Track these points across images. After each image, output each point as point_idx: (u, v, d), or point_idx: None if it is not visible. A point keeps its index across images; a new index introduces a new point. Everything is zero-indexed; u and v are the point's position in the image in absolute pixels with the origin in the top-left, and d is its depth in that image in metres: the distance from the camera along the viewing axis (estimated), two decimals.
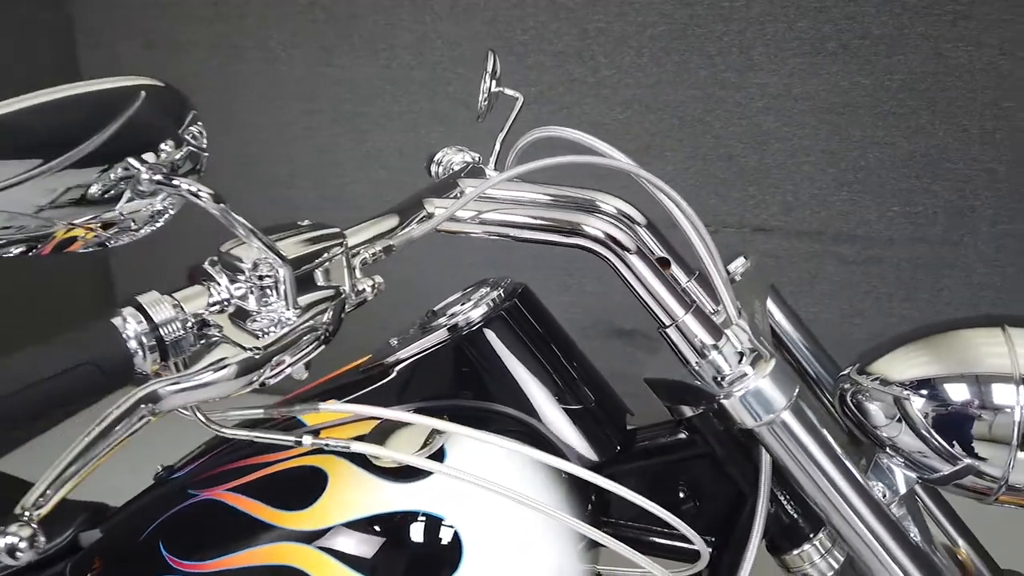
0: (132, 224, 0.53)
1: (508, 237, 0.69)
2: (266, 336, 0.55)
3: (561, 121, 2.23)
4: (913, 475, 0.68)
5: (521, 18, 2.20)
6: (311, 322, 0.56)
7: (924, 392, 0.65)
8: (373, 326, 0.99)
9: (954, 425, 0.64)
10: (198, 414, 0.58)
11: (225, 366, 0.52)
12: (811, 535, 0.73)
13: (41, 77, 2.46)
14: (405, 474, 0.64)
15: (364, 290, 0.62)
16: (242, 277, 0.56)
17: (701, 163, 2.20)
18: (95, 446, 0.50)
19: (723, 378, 0.61)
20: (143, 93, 0.51)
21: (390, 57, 2.32)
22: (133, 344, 0.50)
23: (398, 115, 2.35)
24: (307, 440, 0.59)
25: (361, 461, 0.65)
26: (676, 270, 0.73)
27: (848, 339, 2.17)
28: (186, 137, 0.53)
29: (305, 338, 0.56)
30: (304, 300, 0.57)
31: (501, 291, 0.75)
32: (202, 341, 0.55)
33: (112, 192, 0.51)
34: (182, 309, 0.53)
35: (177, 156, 0.52)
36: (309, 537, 0.63)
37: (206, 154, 0.55)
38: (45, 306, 2.50)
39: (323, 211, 2.49)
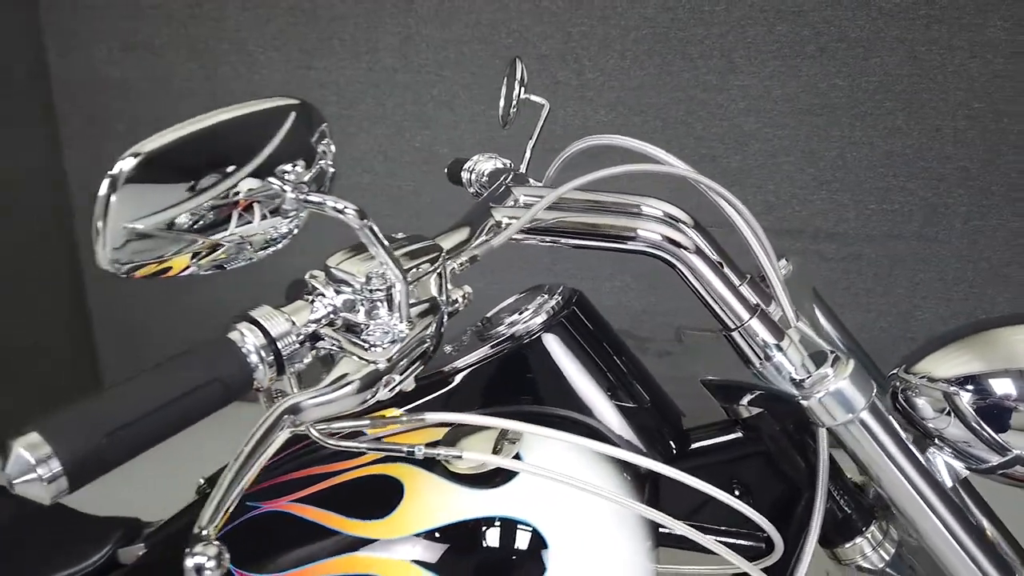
0: (264, 244, 0.54)
1: (571, 245, 0.71)
2: (383, 349, 0.55)
3: (548, 122, 2.25)
4: (961, 465, 0.71)
5: (505, 21, 2.21)
6: (421, 334, 0.57)
7: (971, 387, 0.68)
8: None
9: (1002, 417, 0.67)
10: (312, 429, 0.58)
11: (351, 380, 0.53)
12: (863, 528, 0.75)
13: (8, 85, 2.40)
14: (483, 481, 0.65)
15: (457, 300, 0.63)
16: (348, 290, 0.56)
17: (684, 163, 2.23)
18: (251, 459, 0.50)
19: (803, 380, 0.64)
20: (293, 113, 0.51)
21: (373, 60, 2.31)
22: (253, 358, 0.50)
23: (382, 118, 2.35)
24: (419, 451, 0.60)
25: (437, 469, 0.66)
26: (728, 272, 0.75)
27: None
28: (319, 151, 0.54)
29: (416, 351, 0.57)
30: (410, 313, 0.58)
31: (558, 298, 0.76)
32: (313, 353, 0.55)
33: (255, 212, 0.51)
34: (293, 323, 0.53)
35: (313, 172, 0.53)
36: (390, 546, 0.64)
37: (333, 169, 0.56)
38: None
39: (310, 216, 2.47)
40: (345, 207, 0.53)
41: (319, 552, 0.66)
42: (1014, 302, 2.16)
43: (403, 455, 0.61)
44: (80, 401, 0.44)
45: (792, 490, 0.75)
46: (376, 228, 0.54)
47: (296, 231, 0.56)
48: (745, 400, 0.73)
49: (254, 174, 0.50)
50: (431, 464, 0.67)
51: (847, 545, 0.76)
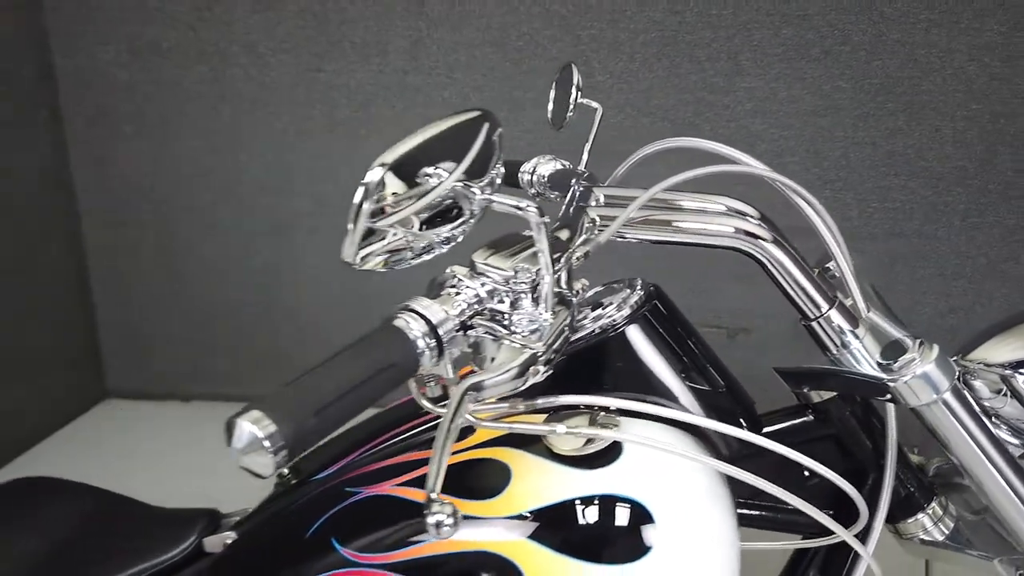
0: (446, 240, 0.58)
1: (658, 241, 0.75)
2: (536, 336, 0.59)
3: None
4: (1018, 443, 0.77)
5: (515, 24, 2.25)
6: (561, 324, 0.61)
7: None
8: None
9: None
10: (470, 415, 0.62)
11: (514, 364, 0.57)
12: (924, 505, 0.80)
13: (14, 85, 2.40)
14: (586, 462, 0.69)
15: (579, 291, 0.67)
16: (493, 283, 0.60)
17: (691, 164, 2.28)
18: (452, 424, 0.55)
19: (889, 364, 0.68)
20: (486, 123, 0.55)
21: (383, 63, 2.34)
22: (420, 344, 0.54)
23: (393, 120, 2.38)
24: (561, 428, 0.64)
25: (541, 451, 0.70)
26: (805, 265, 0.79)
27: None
28: (496, 155, 0.58)
29: (559, 339, 0.61)
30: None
31: (640, 293, 0.80)
32: (466, 341, 0.59)
33: (452, 212, 0.55)
34: (447, 313, 0.57)
35: (493, 174, 0.56)
36: (502, 524, 0.67)
37: (503, 169, 0.60)
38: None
39: (317, 218, 2.50)
40: (527, 205, 0.57)
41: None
42: (1011, 297, 2.23)
43: (542, 434, 0.65)
44: (289, 384, 0.48)
45: (859, 471, 0.80)
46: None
47: (465, 233, 0.60)
48: (816, 386, 0.77)
49: (460, 177, 0.54)
50: (534, 447, 0.70)
51: (909, 520, 0.81)
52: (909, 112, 2.16)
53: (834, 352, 0.72)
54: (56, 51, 2.47)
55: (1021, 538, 0.71)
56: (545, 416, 0.72)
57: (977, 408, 0.68)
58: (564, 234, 0.72)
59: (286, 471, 0.91)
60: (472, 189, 0.55)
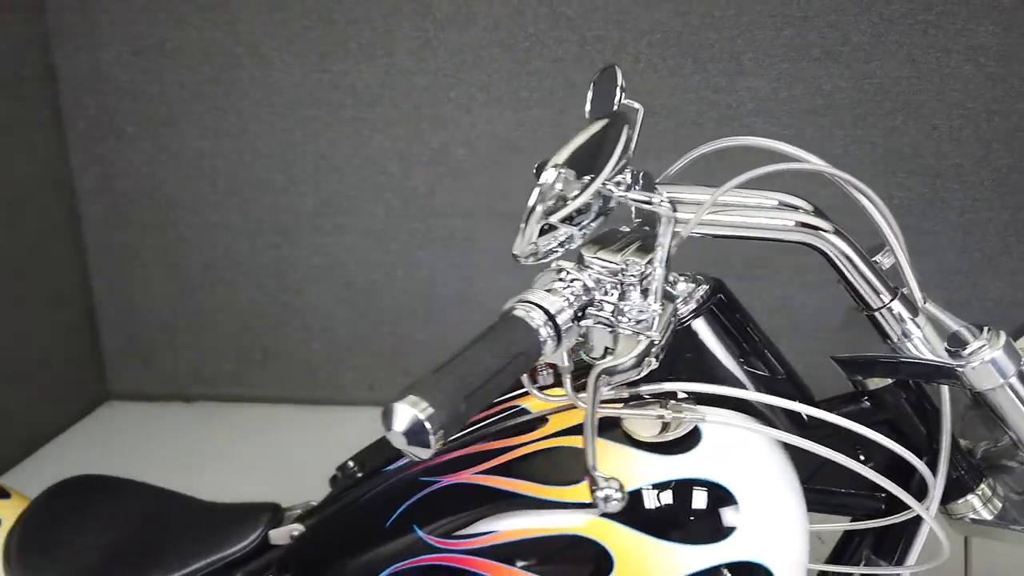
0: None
1: (726, 237, 0.78)
2: (652, 326, 0.62)
3: (562, 124, 2.32)
4: None
5: (522, 25, 2.28)
6: (668, 315, 0.64)
7: None
8: None
9: None
10: (579, 401, 0.65)
11: (635, 352, 0.59)
12: (974, 486, 0.84)
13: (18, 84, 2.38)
14: (667, 448, 0.72)
15: (674, 284, 0.70)
16: (602, 276, 0.62)
17: (694, 164, 2.32)
18: (596, 415, 0.58)
19: (958, 350, 0.72)
20: (626, 125, 0.58)
21: (390, 63, 2.35)
22: (543, 333, 0.56)
23: (398, 120, 2.39)
24: (669, 416, 0.67)
25: (620, 438, 0.73)
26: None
27: (833, 324, 2.34)
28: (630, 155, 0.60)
29: (669, 329, 0.63)
30: None
31: (705, 287, 0.83)
32: (579, 330, 0.61)
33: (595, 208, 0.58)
34: (564, 303, 0.59)
35: (630, 171, 0.59)
36: (590, 508, 0.70)
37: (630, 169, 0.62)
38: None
39: (322, 218, 2.51)
40: (661, 201, 0.59)
41: (520, 516, 0.72)
42: (1006, 290, 2.30)
43: (654, 416, 0.68)
44: (436, 372, 0.50)
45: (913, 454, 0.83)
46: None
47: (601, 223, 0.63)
48: (874, 373, 0.80)
49: (608, 177, 0.57)
50: (612, 434, 0.73)
51: (959, 501, 0.85)
52: (907, 111, 2.21)
53: (895, 340, 0.76)
54: (57, 52, 2.46)
55: None
56: (621, 404, 0.75)
57: None
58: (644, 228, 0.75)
59: (351, 463, 0.93)
60: (608, 187, 0.58)
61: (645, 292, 0.63)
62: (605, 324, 0.63)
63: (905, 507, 0.79)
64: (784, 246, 0.77)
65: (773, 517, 0.71)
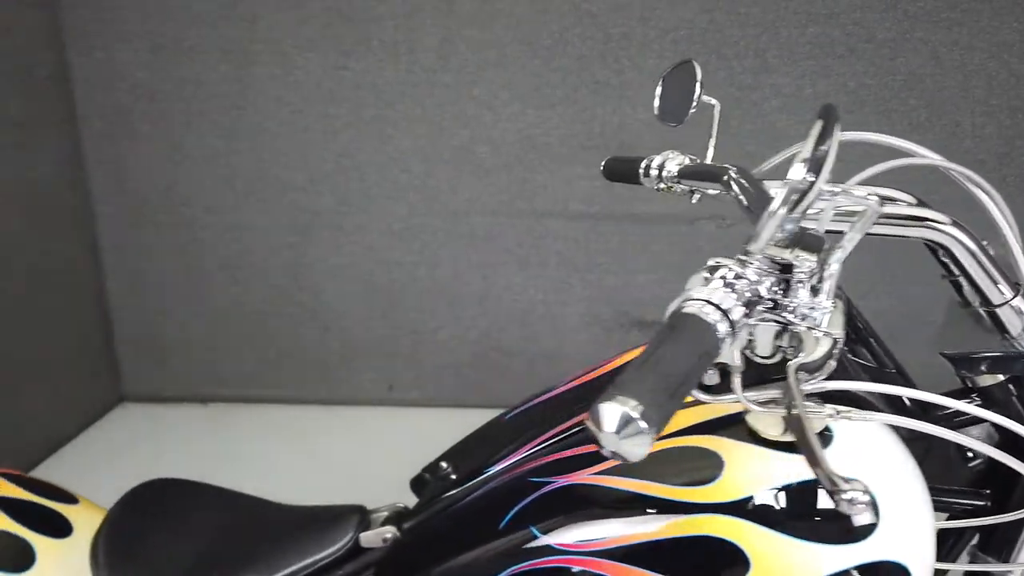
0: None
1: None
2: (831, 322, 0.60)
3: (587, 121, 2.31)
4: None
5: (546, 23, 2.27)
6: (843, 313, 0.63)
7: None
8: None
9: None
10: (747, 401, 0.64)
11: (823, 352, 0.58)
12: None
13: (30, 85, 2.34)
14: (795, 446, 0.71)
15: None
16: (767, 272, 0.61)
17: (719, 160, 2.33)
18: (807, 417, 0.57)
19: None
20: (838, 123, 0.56)
21: (412, 61, 2.34)
22: (721, 330, 0.55)
23: (420, 118, 2.37)
24: (838, 413, 0.66)
25: (749, 438, 0.72)
26: None
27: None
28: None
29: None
30: None
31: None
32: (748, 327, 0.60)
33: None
34: (733, 300, 0.58)
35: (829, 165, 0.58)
36: (723, 509, 0.69)
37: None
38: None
39: (341, 217, 2.48)
40: (868, 194, 0.58)
41: (647, 517, 0.70)
42: None
43: (823, 419, 0.67)
44: (636, 371, 0.49)
45: (1021, 450, 0.83)
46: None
47: None
48: (987, 370, 0.80)
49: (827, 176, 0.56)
50: (738, 434, 0.72)
51: None
52: (931, 108, 2.23)
53: (1013, 335, 0.75)
54: (72, 49, 2.42)
55: None
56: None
57: None
58: None
59: (444, 465, 0.92)
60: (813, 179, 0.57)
61: (815, 290, 0.62)
62: (777, 321, 0.62)
63: (1014, 506, 0.80)
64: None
65: (910, 515, 0.71)
